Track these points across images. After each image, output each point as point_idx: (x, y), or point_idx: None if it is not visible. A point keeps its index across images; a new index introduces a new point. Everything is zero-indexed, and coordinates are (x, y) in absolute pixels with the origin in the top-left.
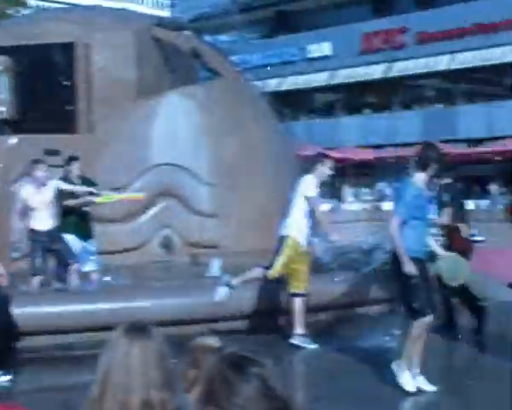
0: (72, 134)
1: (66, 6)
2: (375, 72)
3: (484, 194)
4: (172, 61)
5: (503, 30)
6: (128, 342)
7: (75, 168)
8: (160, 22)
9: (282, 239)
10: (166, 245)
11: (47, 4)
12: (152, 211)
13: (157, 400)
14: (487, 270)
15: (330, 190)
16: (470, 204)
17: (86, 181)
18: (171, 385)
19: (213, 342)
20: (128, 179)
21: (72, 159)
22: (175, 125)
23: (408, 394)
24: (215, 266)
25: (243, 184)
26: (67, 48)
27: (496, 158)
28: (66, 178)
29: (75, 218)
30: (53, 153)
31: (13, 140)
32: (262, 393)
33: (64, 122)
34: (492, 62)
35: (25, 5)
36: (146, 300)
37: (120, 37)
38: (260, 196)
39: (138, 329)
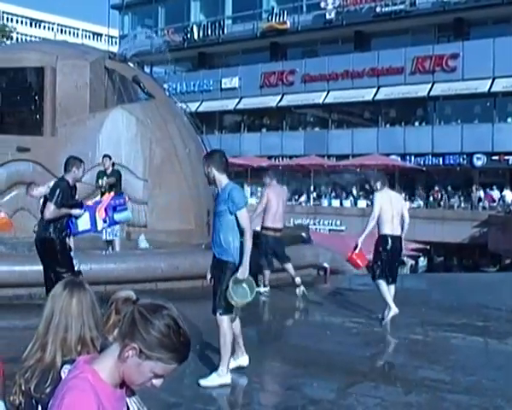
0: (39, 136)
1: (40, 39)
2: (271, 101)
3: (347, 195)
4: (118, 84)
5: (365, 76)
6: (69, 294)
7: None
8: (110, 55)
9: None
10: None
11: (26, 38)
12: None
13: (89, 337)
14: (343, 250)
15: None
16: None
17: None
18: (99, 327)
19: (131, 293)
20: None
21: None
22: (118, 133)
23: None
24: (142, 241)
25: (167, 181)
26: (38, 71)
27: (356, 169)
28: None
29: None
30: (24, 150)
31: None
32: (172, 328)
33: (34, 127)
34: (356, 99)
35: (10, 38)
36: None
37: (79, 64)
38: (180, 190)
39: (76, 284)
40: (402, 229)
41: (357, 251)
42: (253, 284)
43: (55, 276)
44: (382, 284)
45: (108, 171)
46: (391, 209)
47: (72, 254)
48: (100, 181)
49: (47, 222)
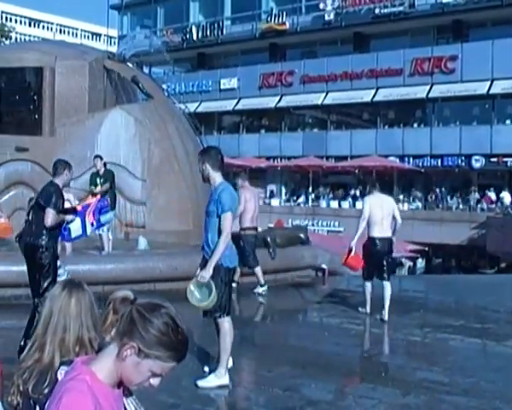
0: (38, 136)
1: (39, 39)
2: (270, 102)
3: (346, 196)
4: (117, 84)
5: (364, 77)
6: (67, 294)
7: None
8: (109, 55)
9: None
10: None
11: (25, 37)
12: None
13: (87, 338)
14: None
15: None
16: (334, 204)
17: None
18: (97, 327)
19: (129, 293)
20: (79, 173)
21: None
22: (117, 133)
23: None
24: (142, 242)
25: (166, 181)
26: (37, 71)
27: (355, 171)
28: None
29: None
30: (23, 149)
31: None
32: (171, 327)
33: (32, 127)
34: (355, 101)
35: (9, 38)
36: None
37: (78, 64)
38: (178, 190)
39: (75, 284)
40: (394, 230)
41: (352, 254)
42: (213, 289)
43: (34, 283)
44: (367, 285)
45: (101, 171)
46: (381, 212)
47: (58, 263)
48: (94, 190)
49: (42, 229)
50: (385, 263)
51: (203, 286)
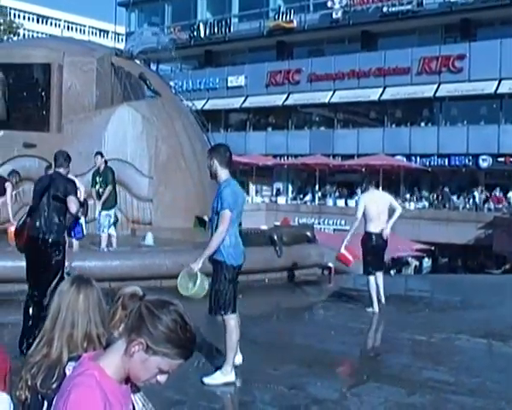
0: (46, 132)
1: (46, 36)
2: (277, 100)
3: (352, 195)
4: (124, 81)
5: (371, 76)
6: (76, 290)
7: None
8: (117, 52)
9: None
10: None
11: (33, 34)
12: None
13: (95, 334)
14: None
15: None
16: (341, 202)
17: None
18: (105, 324)
19: (138, 289)
20: (86, 169)
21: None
22: (124, 130)
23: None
24: (149, 237)
25: (173, 178)
26: (45, 67)
27: (362, 169)
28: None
29: None
30: (30, 146)
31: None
32: (179, 324)
33: (40, 123)
34: (362, 99)
35: (17, 34)
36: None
37: (86, 61)
38: (185, 187)
39: (83, 280)
40: (392, 217)
41: (342, 249)
42: (198, 280)
43: (41, 281)
44: (370, 280)
45: (101, 169)
46: (376, 207)
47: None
48: (98, 192)
49: (54, 224)
50: (380, 257)
51: (192, 277)
